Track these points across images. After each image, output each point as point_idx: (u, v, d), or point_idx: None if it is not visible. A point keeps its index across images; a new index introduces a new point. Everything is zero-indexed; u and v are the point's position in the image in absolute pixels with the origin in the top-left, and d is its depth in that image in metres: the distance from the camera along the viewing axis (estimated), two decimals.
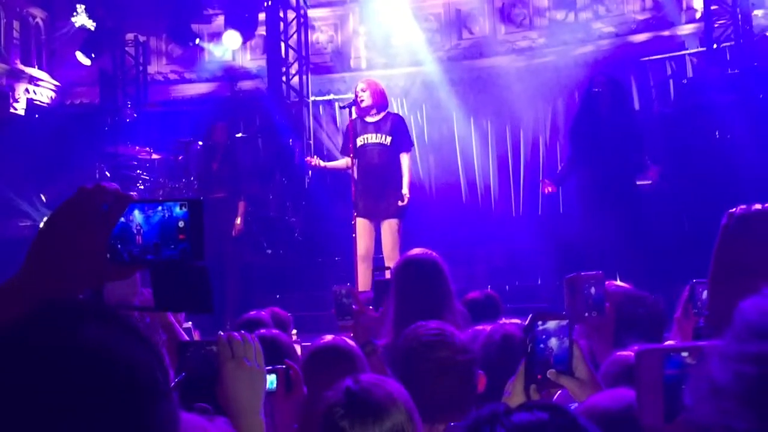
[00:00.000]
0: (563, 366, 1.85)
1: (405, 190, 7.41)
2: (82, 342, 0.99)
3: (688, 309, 2.98)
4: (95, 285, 1.25)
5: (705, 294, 2.89)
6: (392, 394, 2.08)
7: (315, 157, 8.08)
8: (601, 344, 2.86)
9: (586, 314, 2.74)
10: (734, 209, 1.89)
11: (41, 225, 1.26)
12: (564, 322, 1.85)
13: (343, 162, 7.85)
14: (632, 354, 2.41)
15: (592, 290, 2.79)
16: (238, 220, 8.46)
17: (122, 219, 1.23)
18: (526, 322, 1.86)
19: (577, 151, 7.53)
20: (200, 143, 9.40)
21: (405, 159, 7.56)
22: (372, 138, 7.51)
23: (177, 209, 1.25)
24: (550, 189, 7.68)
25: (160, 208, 1.25)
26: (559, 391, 2.04)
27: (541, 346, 1.84)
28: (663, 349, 1.36)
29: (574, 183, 7.75)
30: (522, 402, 1.55)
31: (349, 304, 3.84)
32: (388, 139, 7.52)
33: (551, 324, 1.84)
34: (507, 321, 2.97)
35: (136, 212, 1.24)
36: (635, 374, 1.41)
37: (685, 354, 1.27)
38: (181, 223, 1.24)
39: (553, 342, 1.84)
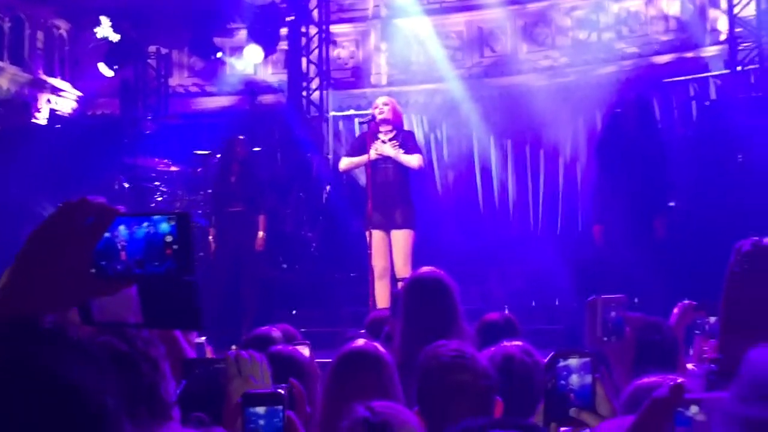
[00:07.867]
0: (585, 403, 1.82)
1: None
2: (19, 363, 0.94)
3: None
4: (79, 301, 1.21)
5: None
6: (408, 423, 2.07)
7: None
8: (619, 370, 2.79)
9: (605, 339, 2.66)
10: (739, 245, 1.82)
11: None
12: (586, 359, 1.84)
13: (364, 158, 7.48)
14: (655, 381, 2.35)
15: (613, 314, 2.69)
16: (261, 234, 8.44)
17: (107, 234, 1.19)
18: (546, 360, 1.84)
19: (604, 172, 7.43)
20: (218, 156, 9.39)
21: (415, 156, 7.40)
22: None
23: (163, 224, 1.20)
24: (599, 231, 7.32)
25: (146, 223, 1.20)
26: (587, 430, 2.01)
27: (563, 382, 1.81)
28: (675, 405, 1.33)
29: (596, 201, 7.61)
30: None
31: None
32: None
33: (573, 361, 1.83)
34: (508, 343, 2.92)
35: (122, 227, 1.20)
36: None
37: (694, 409, 1.25)
38: (168, 238, 1.19)
39: (575, 379, 1.82)
